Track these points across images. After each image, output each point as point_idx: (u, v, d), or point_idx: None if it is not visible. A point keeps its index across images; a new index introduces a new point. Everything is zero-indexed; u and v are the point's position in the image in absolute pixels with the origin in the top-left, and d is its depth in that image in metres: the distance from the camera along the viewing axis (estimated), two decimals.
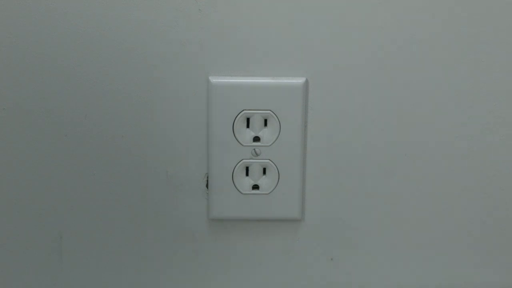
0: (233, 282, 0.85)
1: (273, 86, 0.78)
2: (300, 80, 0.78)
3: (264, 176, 0.80)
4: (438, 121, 0.80)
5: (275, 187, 0.80)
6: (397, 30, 0.77)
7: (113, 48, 0.77)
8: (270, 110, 0.79)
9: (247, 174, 0.80)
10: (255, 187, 0.81)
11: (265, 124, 0.79)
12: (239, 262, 0.84)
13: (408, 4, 0.76)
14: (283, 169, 0.80)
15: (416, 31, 0.77)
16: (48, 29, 0.76)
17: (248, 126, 0.79)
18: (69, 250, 0.83)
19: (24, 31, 0.76)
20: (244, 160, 0.80)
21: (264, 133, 0.79)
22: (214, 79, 0.78)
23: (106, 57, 0.77)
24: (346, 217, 0.83)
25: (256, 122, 0.79)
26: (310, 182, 0.82)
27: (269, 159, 0.80)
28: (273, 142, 0.79)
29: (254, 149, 0.79)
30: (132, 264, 0.84)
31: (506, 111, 0.80)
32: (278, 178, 0.80)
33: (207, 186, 0.81)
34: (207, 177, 0.81)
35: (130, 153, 0.80)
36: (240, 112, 0.79)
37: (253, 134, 0.79)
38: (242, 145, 0.79)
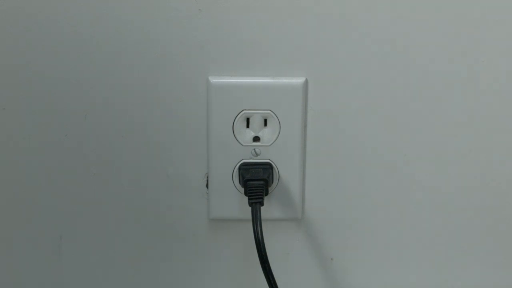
0: (233, 282, 0.85)
1: (273, 86, 0.78)
2: (300, 80, 0.78)
3: None
4: (438, 121, 0.80)
5: (276, 186, 0.81)
6: (397, 30, 0.77)
7: (113, 48, 0.77)
8: (270, 110, 0.79)
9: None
10: None
11: (265, 124, 0.79)
12: (239, 262, 0.84)
13: (408, 3, 0.76)
14: (283, 169, 0.80)
15: (416, 31, 0.77)
16: (48, 29, 0.76)
17: (248, 126, 0.79)
18: (68, 251, 0.83)
19: (24, 31, 0.76)
20: (244, 160, 0.80)
21: (264, 133, 0.79)
22: (214, 79, 0.78)
23: (106, 57, 0.77)
24: (346, 217, 0.83)
25: (256, 122, 0.79)
26: (310, 182, 0.82)
27: (269, 159, 0.80)
28: (273, 142, 0.79)
29: (254, 149, 0.79)
30: (132, 264, 0.84)
31: (506, 111, 0.80)
32: (278, 178, 0.80)
33: (207, 186, 0.81)
34: (207, 177, 0.81)
35: (130, 153, 0.80)
36: (240, 112, 0.79)
37: (253, 134, 0.79)
38: (242, 145, 0.79)
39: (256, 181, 0.78)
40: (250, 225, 0.75)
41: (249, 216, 0.76)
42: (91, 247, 0.83)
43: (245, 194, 0.78)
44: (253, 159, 0.80)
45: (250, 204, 0.77)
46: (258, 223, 0.75)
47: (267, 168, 0.79)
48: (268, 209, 0.81)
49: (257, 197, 0.77)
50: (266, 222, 0.80)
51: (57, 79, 0.78)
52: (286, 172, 0.80)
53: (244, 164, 0.80)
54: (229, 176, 0.80)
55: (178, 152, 0.80)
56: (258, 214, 0.76)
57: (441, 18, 0.76)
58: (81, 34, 0.76)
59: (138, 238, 0.83)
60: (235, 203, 0.81)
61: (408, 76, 0.78)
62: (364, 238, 0.84)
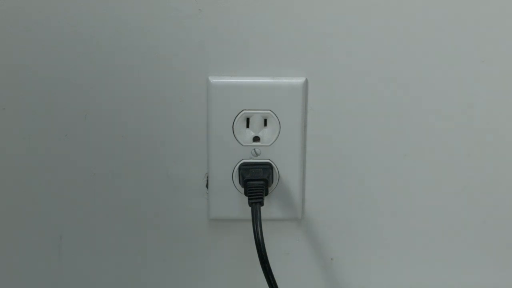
0: (233, 282, 0.85)
1: (273, 86, 0.78)
2: (300, 80, 0.78)
3: None
4: (438, 121, 0.80)
5: (276, 186, 0.81)
6: (397, 30, 0.77)
7: (113, 48, 0.77)
8: (270, 110, 0.79)
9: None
10: None
11: (265, 124, 0.79)
12: (239, 262, 0.84)
13: (408, 3, 0.76)
14: (283, 169, 0.80)
15: (416, 30, 0.77)
16: (47, 29, 0.76)
17: (248, 126, 0.79)
18: (68, 251, 0.83)
19: (24, 31, 0.76)
20: (244, 160, 0.80)
21: (264, 133, 0.79)
22: (214, 79, 0.78)
23: (106, 57, 0.77)
24: (346, 217, 0.83)
25: (256, 122, 0.79)
26: (310, 182, 0.82)
27: (269, 159, 0.80)
28: (273, 142, 0.79)
29: (254, 149, 0.79)
30: (132, 264, 0.84)
31: (506, 111, 0.80)
32: (278, 178, 0.80)
33: (207, 186, 0.81)
34: (207, 177, 0.81)
35: (130, 153, 0.80)
36: (240, 112, 0.79)
37: (253, 134, 0.79)
38: (242, 145, 0.79)
39: (256, 181, 0.78)
40: (250, 225, 0.75)
41: (249, 216, 0.76)
42: (91, 247, 0.83)
43: (245, 194, 0.78)
44: (253, 159, 0.80)
45: (250, 204, 0.77)
46: (258, 223, 0.75)
47: (267, 168, 0.79)
48: (268, 209, 0.81)
49: (257, 197, 0.77)
50: (266, 222, 0.80)
51: (57, 79, 0.78)
52: (286, 172, 0.80)
53: (244, 164, 0.80)
54: (229, 176, 0.80)
55: (178, 152, 0.80)
56: (258, 214, 0.76)
57: (441, 18, 0.76)
58: (81, 34, 0.76)
59: (138, 238, 0.83)
60: (235, 203, 0.81)
61: (408, 76, 0.78)
62: (364, 238, 0.84)
